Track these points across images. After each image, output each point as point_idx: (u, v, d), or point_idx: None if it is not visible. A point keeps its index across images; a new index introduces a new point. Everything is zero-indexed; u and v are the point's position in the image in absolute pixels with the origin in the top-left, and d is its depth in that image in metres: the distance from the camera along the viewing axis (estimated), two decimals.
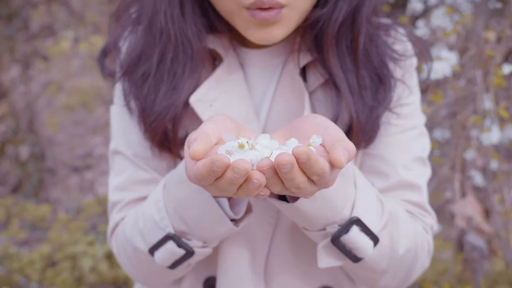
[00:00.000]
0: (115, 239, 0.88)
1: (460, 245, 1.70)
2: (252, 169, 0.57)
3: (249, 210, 0.78)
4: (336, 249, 0.76)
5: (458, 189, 1.57)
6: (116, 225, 0.88)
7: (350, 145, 0.60)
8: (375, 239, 0.75)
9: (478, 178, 1.67)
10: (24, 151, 3.19)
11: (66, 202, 3.06)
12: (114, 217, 0.88)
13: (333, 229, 0.74)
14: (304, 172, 0.58)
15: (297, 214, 0.73)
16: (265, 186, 0.59)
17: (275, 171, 0.57)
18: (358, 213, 0.74)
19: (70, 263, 2.26)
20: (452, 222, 1.70)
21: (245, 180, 0.57)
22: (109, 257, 2.29)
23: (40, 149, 3.13)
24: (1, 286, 2.22)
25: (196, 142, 0.58)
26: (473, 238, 1.61)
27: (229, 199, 0.76)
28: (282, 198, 0.76)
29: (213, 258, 0.87)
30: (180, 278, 0.90)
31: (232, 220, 0.76)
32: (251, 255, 0.86)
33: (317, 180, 0.60)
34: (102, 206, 2.66)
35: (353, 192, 0.74)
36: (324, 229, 0.75)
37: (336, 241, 0.74)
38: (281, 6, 0.75)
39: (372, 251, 0.76)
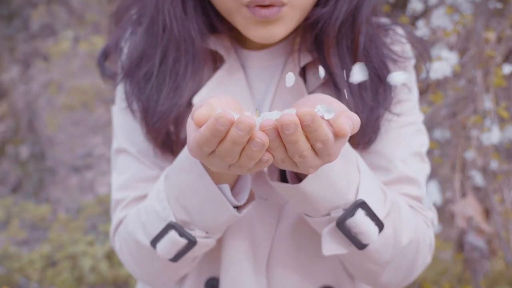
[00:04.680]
0: (118, 237, 0.87)
1: (460, 245, 1.70)
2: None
3: (251, 198, 0.78)
4: (341, 235, 0.75)
5: (458, 189, 1.57)
6: (120, 223, 0.87)
7: (354, 116, 0.60)
8: (379, 225, 0.75)
9: (478, 178, 1.67)
10: (24, 151, 3.19)
11: (66, 202, 3.06)
12: (117, 215, 0.87)
13: (338, 213, 0.73)
14: (307, 139, 0.58)
15: (301, 197, 0.72)
16: (268, 151, 0.58)
17: (278, 134, 0.57)
18: (363, 197, 0.73)
19: (70, 263, 2.27)
20: (452, 222, 1.70)
21: (248, 142, 0.57)
22: (109, 257, 2.29)
23: (40, 149, 3.14)
24: (1, 286, 2.22)
25: (201, 108, 0.58)
26: (473, 238, 1.61)
27: (232, 188, 0.75)
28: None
29: (215, 258, 0.87)
30: (182, 278, 0.90)
31: (234, 207, 0.75)
32: (253, 254, 0.86)
33: (320, 149, 0.59)
34: (102, 206, 2.66)
35: (357, 176, 0.74)
36: (329, 214, 0.74)
37: (341, 225, 0.73)
38: (282, 4, 0.74)
39: (377, 238, 0.75)
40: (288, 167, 0.63)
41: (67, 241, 2.35)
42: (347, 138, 0.61)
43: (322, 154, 0.60)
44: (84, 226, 2.50)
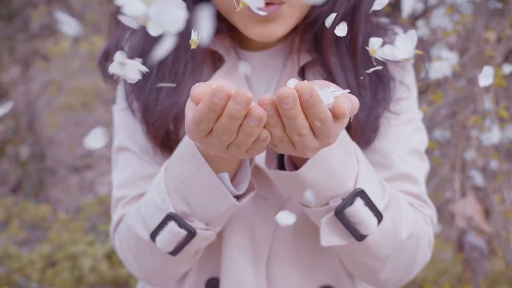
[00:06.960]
0: (117, 234, 0.87)
1: (460, 245, 1.70)
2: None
3: (251, 188, 0.77)
4: (340, 225, 0.75)
5: (458, 189, 1.58)
6: (120, 220, 0.87)
7: (353, 98, 0.60)
8: (378, 216, 0.75)
9: (478, 178, 1.68)
10: (24, 151, 3.20)
11: (66, 202, 3.06)
12: (118, 213, 0.87)
13: (337, 202, 0.73)
14: (306, 118, 0.57)
15: (299, 186, 0.72)
16: (265, 127, 0.58)
17: (277, 110, 0.56)
18: (362, 186, 0.73)
19: (70, 263, 2.27)
20: (452, 222, 1.70)
21: (246, 118, 0.56)
22: (109, 257, 2.29)
23: (40, 149, 3.14)
24: (1, 286, 2.22)
25: (199, 86, 0.58)
26: (473, 238, 1.62)
27: (232, 179, 0.75)
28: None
29: (215, 259, 0.87)
30: (181, 278, 0.90)
31: (234, 197, 0.75)
32: (253, 254, 0.86)
33: (319, 128, 0.59)
34: (102, 206, 2.67)
35: (356, 166, 0.74)
36: (327, 203, 0.74)
37: (340, 214, 0.73)
38: (281, 2, 0.75)
39: (376, 230, 0.75)
40: (286, 149, 0.62)
41: (67, 241, 2.35)
42: (347, 120, 0.60)
43: (321, 134, 0.60)
44: (84, 226, 2.50)
